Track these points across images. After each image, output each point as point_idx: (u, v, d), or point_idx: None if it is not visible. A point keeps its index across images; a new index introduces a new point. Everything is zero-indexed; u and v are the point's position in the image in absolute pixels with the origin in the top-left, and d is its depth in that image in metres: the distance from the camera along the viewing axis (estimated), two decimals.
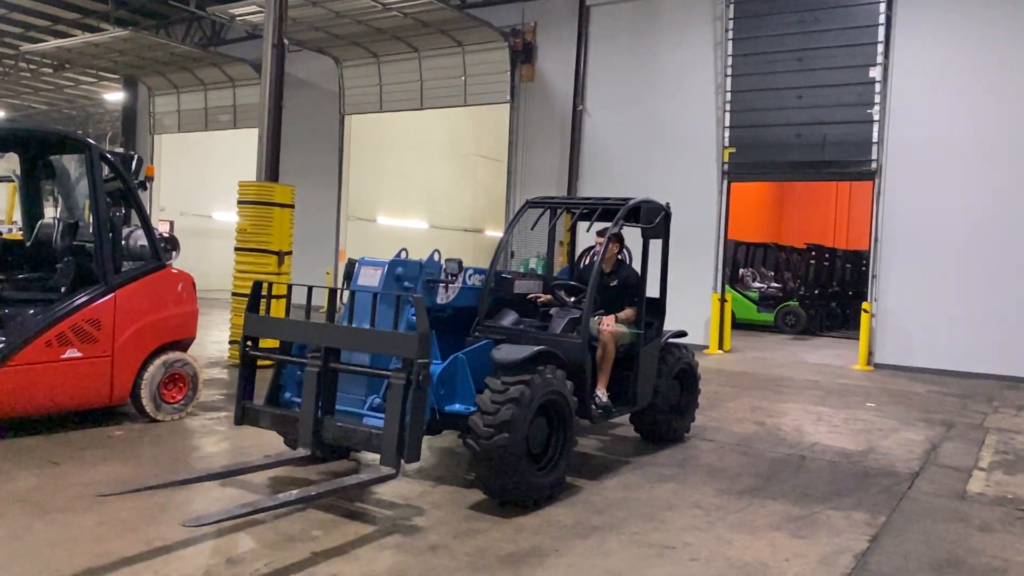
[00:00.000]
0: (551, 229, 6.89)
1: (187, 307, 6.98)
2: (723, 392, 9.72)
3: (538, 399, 4.85)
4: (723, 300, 14.13)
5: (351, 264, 5.56)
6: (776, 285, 19.30)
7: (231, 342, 10.01)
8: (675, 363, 6.77)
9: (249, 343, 5.20)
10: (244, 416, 5.17)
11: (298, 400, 5.07)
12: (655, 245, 6.48)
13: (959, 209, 12.51)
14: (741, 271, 19.39)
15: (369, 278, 5.23)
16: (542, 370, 4.98)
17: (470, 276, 5.97)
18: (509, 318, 6.04)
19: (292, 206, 10.13)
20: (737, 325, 17.15)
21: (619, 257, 6.60)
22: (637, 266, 6.55)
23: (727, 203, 14.40)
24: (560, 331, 5.80)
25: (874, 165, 13.07)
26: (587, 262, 7.22)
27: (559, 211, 6.68)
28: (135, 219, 6.84)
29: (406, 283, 5.41)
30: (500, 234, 18.32)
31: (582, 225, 7.21)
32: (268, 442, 6.26)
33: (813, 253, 19.62)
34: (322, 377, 4.78)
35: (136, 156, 6.84)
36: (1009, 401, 10.22)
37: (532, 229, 6.81)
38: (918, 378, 11.91)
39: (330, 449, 5.21)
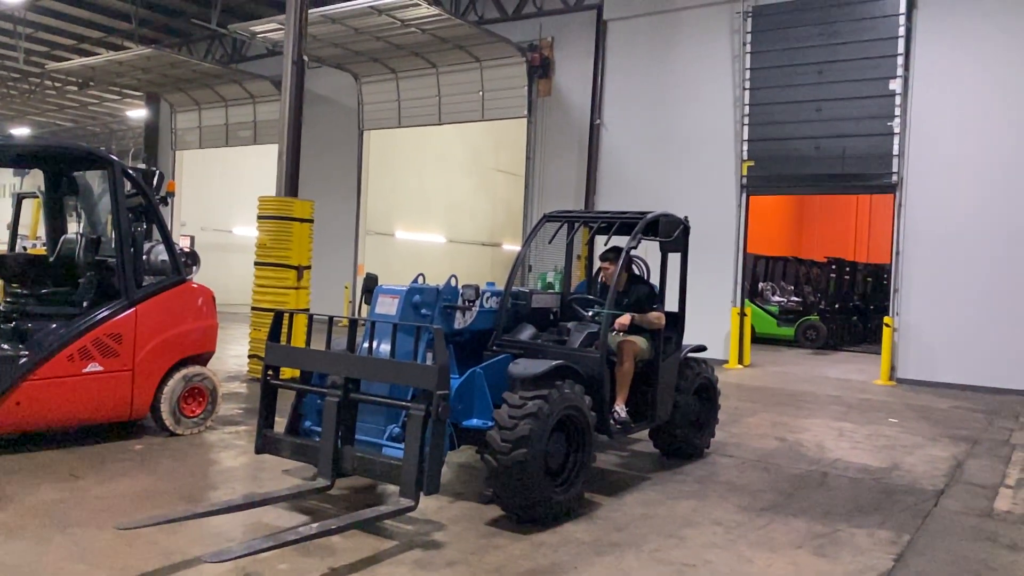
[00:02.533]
0: (568, 243, 6.86)
1: (207, 321, 7.03)
2: (743, 407, 9.62)
3: (556, 414, 4.83)
4: (743, 314, 14.02)
5: (370, 279, 5.63)
6: (796, 299, 19.13)
7: (250, 356, 10.05)
8: (695, 378, 6.70)
9: (271, 372, 5.23)
10: (265, 445, 5.20)
11: (318, 429, 5.08)
12: (674, 259, 6.44)
13: (981, 222, 12.36)
14: (761, 285, 19.25)
15: (387, 306, 5.28)
16: (560, 385, 4.94)
17: (487, 299, 5.95)
18: (527, 332, 6.01)
19: (311, 220, 10.19)
20: (757, 339, 17.00)
21: (635, 273, 6.56)
22: (656, 279, 6.53)
23: (746, 216, 14.31)
24: (578, 345, 5.77)
25: (895, 178, 12.95)
26: (604, 277, 7.20)
27: (576, 225, 6.62)
28: (157, 234, 6.90)
29: (423, 311, 5.42)
30: (518, 248, 18.36)
31: (600, 239, 7.12)
32: (286, 461, 6.27)
33: (833, 267, 19.44)
34: (342, 407, 4.78)
35: (157, 172, 6.91)
36: None
37: (550, 243, 6.79)
38: (942, 393, 11.73)
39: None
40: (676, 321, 6.54)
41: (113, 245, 6.43)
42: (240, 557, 3.80)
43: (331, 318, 5.28)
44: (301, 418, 5.37)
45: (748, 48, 14.20)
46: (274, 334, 5.18)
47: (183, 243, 24.47)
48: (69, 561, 3.99)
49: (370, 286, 5.61)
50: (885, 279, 17.42)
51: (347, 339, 4.97)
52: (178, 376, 6.72)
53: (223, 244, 23.36)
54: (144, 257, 6.76)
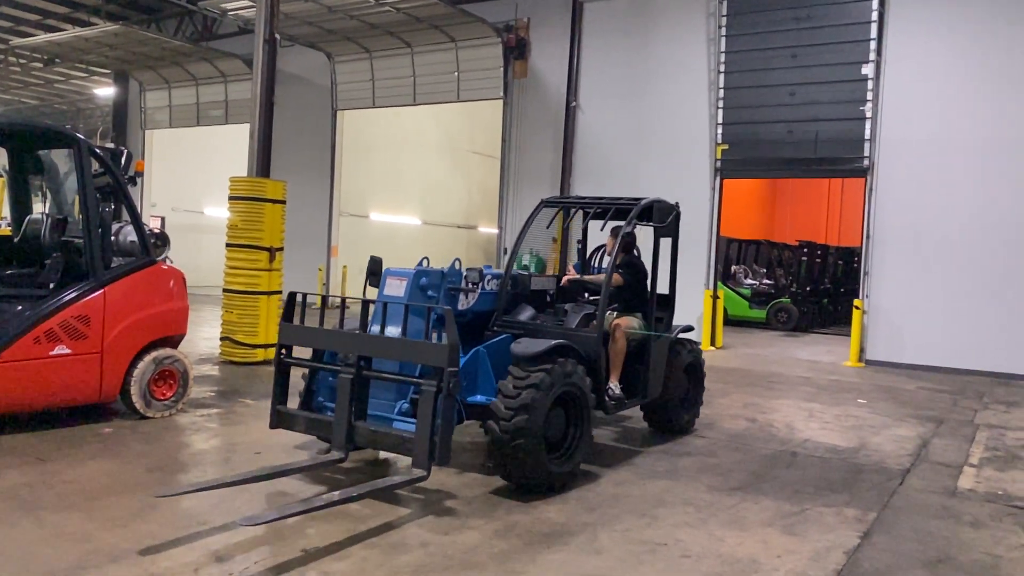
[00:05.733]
0: (565, 228, 7.01)
1: (178, 303, 6.94)
2: (715, 389, 9.70)
3: (557, 388, 5.09)
4: (715, 297, 14.14)
5: (374, 262, 5.78)
6: (768, 282, 19.34)
7: (222, 338, 9.95)
8: (685, 357, 7.01)
9: (284, 351, 5.39)
10: (279, 421, 5.36)
11: (330, 405, 5.35)
12: (664, 244, 6.70)
13: (951, 206, 12.55)
14: (733, 268, 19.43)
15: (395, 288, 5.52)
16: (562, 362, 5.19)
17: (488, 281, 6.16)
18: (526, 313, 6.26)
19: (284, 202, 10.08)
20: (729, 322, 17.18)
21: (632, 253, 6.78)
22: (648, 266, 6.75)
23: (720, 200, 14.40)
24: (575, 326, 6.06)
25: (866, 162, 13.09)
26: (599, 259, 7.52)
27: (572, 211, 6.85)
28: (126, 215, 6.79)
29: (429, 292, 5.67)
30: (494, 230, 18.31)
31: (593, 225, 7.38)
32: (259, 440, 6.25)
33: (805, 250, 19.66)
34: (355, 384, 4.97)
35: (125, 151, 6.79)
36: (999, 397, 10.26)
37: (548, 228, 6.99)
38: (909, 375, 11.95)
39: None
40: (667, 303, 6.81)
41: (80, 226, 6.31)
42: (273, 520, 4.03)
43: (343, 299, 5.52)
44: (313, 394, 5.55)
45: (723, 31, 14.22)
46: (287, 314, 5.37)
47: (153, 224, 24.10)
48: (38, 545, 3.94)
49: (375, 269, 5.79)
50: (856, 262, 17.64)
51: (360, 319, 5.15)
52: (148, 358, 6.64)
53: (194, 225, 23.07)
54: (113, 238, 6.65)
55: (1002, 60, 12.23)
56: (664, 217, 6.52)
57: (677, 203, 6.75)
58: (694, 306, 14.00)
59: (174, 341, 6.98)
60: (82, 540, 4.02)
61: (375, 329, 5.18)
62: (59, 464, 5.29)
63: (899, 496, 5.58)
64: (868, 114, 13.01)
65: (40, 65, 26.58)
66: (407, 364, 5.17)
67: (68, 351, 6.08)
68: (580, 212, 7.34)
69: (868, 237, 13.17)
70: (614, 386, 6.11)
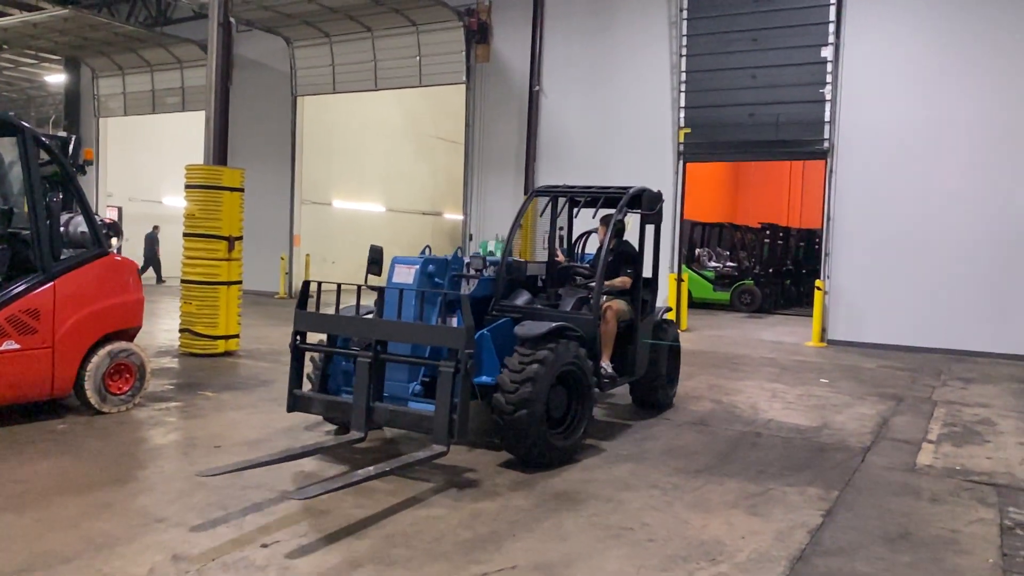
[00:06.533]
0: (554, 216, 7.28)
1: (132, 295, 6.75)
2: (681, 371, 9.75)
3: (560, 365, 5.39)
4: (679, 280, 14.21)
5: (374, 250, 6.05)
6: (731, 264, 19.52)
7: (181, 330, 9.75)
8: (668, 335, 7.46)
9: (298, 337, 5.58)
10: (296, 404, 5.58)
11: (346, 388, 5.69)
12: (648, 230, 7.06)
13: (909, 187, 12.74)
14: (697, 251, 19.57)
15: (404, 275, 5.81)
16: (563, 342, 5.50)
17: (487, 268, 6.54)
18: (522, 298, 6.57)
19: (242, 190, 9.88)
20: (694, 304, 17.31)
21: (623, 239, 7.02)
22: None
23: (683, 183, 14.46)
24: (570, 309, 6.36)
25: (826, 144, 13.23)
26: (583, 245, 7.88)
27: (557, 200, 7.13)
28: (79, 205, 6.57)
29: (436, 279, 5.97)
30: (459, 217, 18.20)
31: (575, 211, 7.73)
32: (218, 433, 6.14)
33: (767, 232, 19.87)
34: (372, 367, 5.19)
35: (74, 138, 6.57)
36: (956, 374, 10.47)
37: (541, 216, 7.46)
38: (870, 353, 12.15)
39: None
40: (650, 285, 7.24)
41: (27, 217, 6.09)
42: (321, 495, 4.30)
43: (359, 287, 5.67)
44: (327, 378, 5.80)
45: (685, 14, 14.24)
46: (302, 302, 5.56)
47: (110, 214, 23.58)
48: None
49: (375, 257, 6.05)
50: (817, 244, 17.88)
51: (377, 305, 5.60)
52: (103, 352, 6.46)
53: (152, 215, 22.57)
54: (63, 229, 6.44)
55: (961, 42, 12.40)
56: (652, 204, 6.86)
57: (659, 192, 7.05)
58: (660, 289, 14.07)
59: (129, 334, 6.80)
60: (32, 540, 3.89)
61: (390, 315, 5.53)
62: (9, 463, 5.12)
63: (861, 474, 5.65)
64: (828, 97, 13.13)
65: None
66: (418, 346, 5.45)
67: (17, 346, 5.88)
68: (563, 200, 7.50)
69: (829, 219, 13.32)
70: (606, 365, 6.45)
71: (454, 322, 5.76)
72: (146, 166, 22.64)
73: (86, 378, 6.36)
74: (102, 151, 22.25)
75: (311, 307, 5.65)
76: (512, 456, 5.47)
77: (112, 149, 22.49)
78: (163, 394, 7.42)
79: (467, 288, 6.30)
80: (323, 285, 5.71)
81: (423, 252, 6.21)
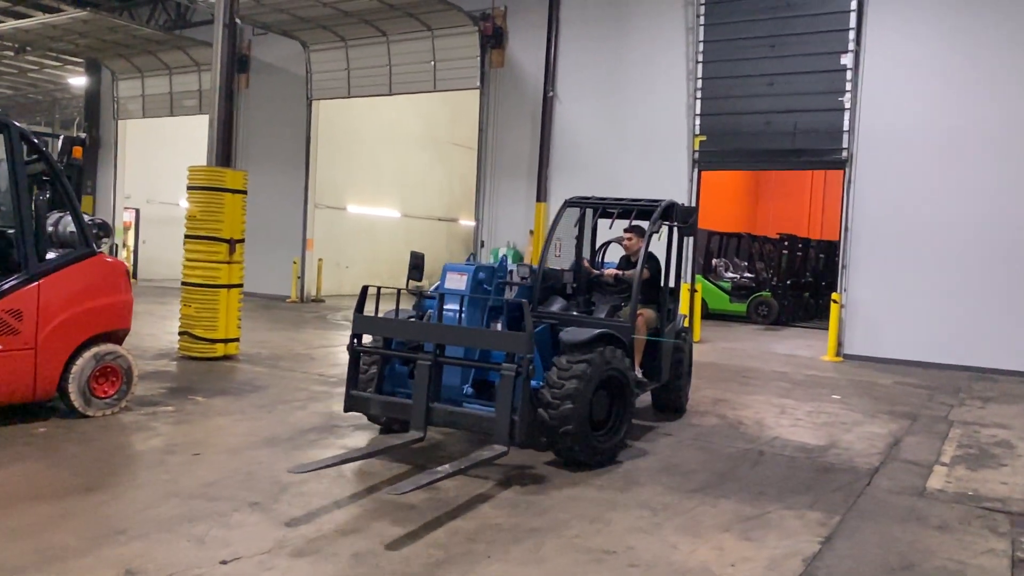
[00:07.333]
0: (579, 226, 7.55)
1: (120, 296, 6.63)
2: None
3: (603, 370, 5.58)
4: (693, 290, 13.90)
5: (415, 256, 6.29)
6: (749, 275, 19.15)
7: (180, 333, 9.64)
8: (687, 342, 7.71)
9: (355, 339, 5.76)
10: (353, 404, 5.77)
11: (402, 390, 5.88)
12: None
13: (929, 199, 12.37)
14: (714, 261, 19.24)
15: (456, 282, 5.99)
16: (602, 350, 5.65)
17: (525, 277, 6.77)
18: (557, 304, 6.86)
19: (244, 192, 9.77)
20: (710, 315, 17.01)
21: (650, 251, 7.08)
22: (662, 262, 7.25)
23: (698, 192, 14.17)
24: (604, 316, 6.69)
25: (845, 154, 12.89)
26: (604, 253, 8.03)
27: (593, 211, 7.39)
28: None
29: (485, 285, 6.16)
30: (473, 223, 18.01)
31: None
32: (201, 439, 5.99)
33: (786, 243, 19.48)
34: (432, 369, 5.37)
35: (62, 136, 6.47)
36: (976, 393, 10.08)
37: (575, 226, 7.57)
38: (886, 369, 11.78)
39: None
40: (673, 295, 7.44)
41: (12, 215, 5.99)
42: (416, 489, 4.44)
43: (420, 291, 5.92)
44: (384, 381, 5.93)
45: (702, 20, 13.98)
46: (360, 306, 5.72)
47: (127, 216, 23.61)
48: None
49: (417, 263, 6.28)
50: (837, 256, 17.46)
51: (436, 311, 5.78)
52: (88, 355, 6.34)
53: (169, 217, 22.63)
54: (51, 228, 6.34)
55: (985, 50, 12.03)
56: (687, 217, 7.12)
57: (695, 206, 7.10)
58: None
59: (117, 336, 6.68)
60: None
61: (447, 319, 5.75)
62: None
63: (866, 497, 5.37)
64: (847, 105, 12.81)
65: (11, 54, 26.06)
66: (469, 350, 5.67)
67: None
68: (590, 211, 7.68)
69: (847, 230, 12.98)
70: (637, 371, 6.66)
71: (498, 327, 5.97)
72: (164, 168, 22.69)
73: (70, 381, 6.23)
74: (120, 153, 22.38)
75: (368, 311, 5.77)
76: (512, 468, 5.46)
77: (131, 151, 22.60)
78: (153, 398, 7.29)
79: (509, 294, 6.50)
80: (369, 289, 5.77)
81: (469, 259, 6.49)
